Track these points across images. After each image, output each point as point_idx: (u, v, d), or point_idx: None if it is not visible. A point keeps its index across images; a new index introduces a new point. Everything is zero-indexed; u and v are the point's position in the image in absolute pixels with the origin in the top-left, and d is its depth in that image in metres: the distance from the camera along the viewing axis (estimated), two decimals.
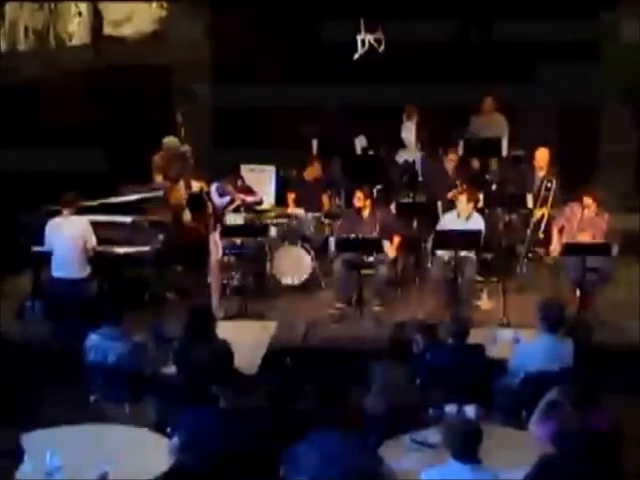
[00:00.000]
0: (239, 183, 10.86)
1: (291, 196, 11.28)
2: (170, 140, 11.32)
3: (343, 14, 11.60)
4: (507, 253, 10.23)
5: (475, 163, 11.97)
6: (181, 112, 11.81)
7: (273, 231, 10.56)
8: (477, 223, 9.81)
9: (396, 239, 9.94)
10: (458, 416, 6.07)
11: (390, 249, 9.83)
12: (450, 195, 10.61)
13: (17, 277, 10.24)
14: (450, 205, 10.35)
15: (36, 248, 9.54)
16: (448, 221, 9.95)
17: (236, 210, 10.64)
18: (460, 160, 11.56)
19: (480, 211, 10.37)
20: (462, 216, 9.85)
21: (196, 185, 11.03)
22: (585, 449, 5.33)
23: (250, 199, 10.87)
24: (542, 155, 10.93)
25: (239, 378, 6.81)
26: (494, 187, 11.38)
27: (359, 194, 10.01)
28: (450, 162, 11.23)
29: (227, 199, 10.69)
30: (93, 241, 9.33)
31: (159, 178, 11.15)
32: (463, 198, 9.89)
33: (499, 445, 5.66)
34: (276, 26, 12.73)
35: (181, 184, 10.87)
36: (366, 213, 10.01)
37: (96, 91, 11.52)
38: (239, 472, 5.72)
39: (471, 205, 9.86)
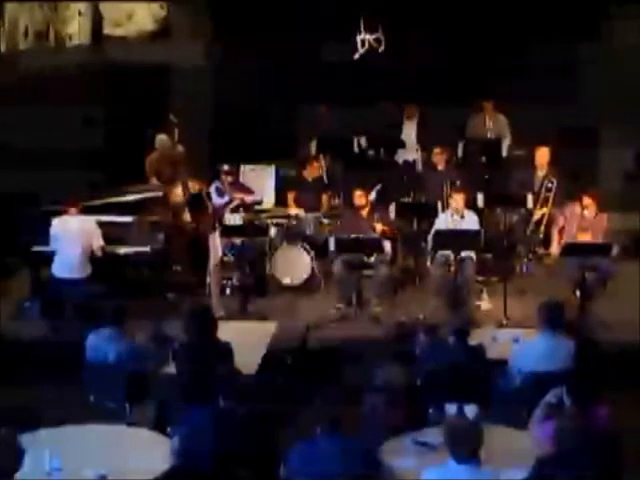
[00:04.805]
0: (230, 179, 10.82)
1: (291, 196, 11.27)
2: (162, 140, 11.32)
3: (343, 14, 11.63)
4: (507, 253, 10.22)
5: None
6: (175, 113, 11.81)
7: (273, 231, 10.56)
8: (472, 221, 9.84)
9: (379, 227, 9.86)
10: (458, 416, 6.06)
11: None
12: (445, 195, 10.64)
13: (17, 277, 10.24)
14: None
15: (37, 248, 9.54)
16: (443, 220, 9.96)
17: (235, 210, 10.63)
18: (456, 159, 11.60)
19: (480, 211, 10.39)
20: (456, 215, 9.86)
21: (195, 186, 11.02)
22: (585, 449, 5.33)
23: (249, 199, 10.87)
24: (542, 155, 10.93)
25: (239, 378, 6.81)
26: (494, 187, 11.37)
27: (359, 193, 10.01)
28: (438, 161, 11.21)
29: (226, 199, 10.70)
30: (100, 241, 9.33)
31: (154, 179, 11.16)
32: (457, 197, 9.90)
33: (499, 445, 5.66)
34: (276, 27, 12.72)
35: (180, 185, 10.86)
36: (366, 213, 10.01)
37: (96, 91, 11.51)
38: (239, 472, 5.72)
39: (463, 203, 9.86)
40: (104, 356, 7.23)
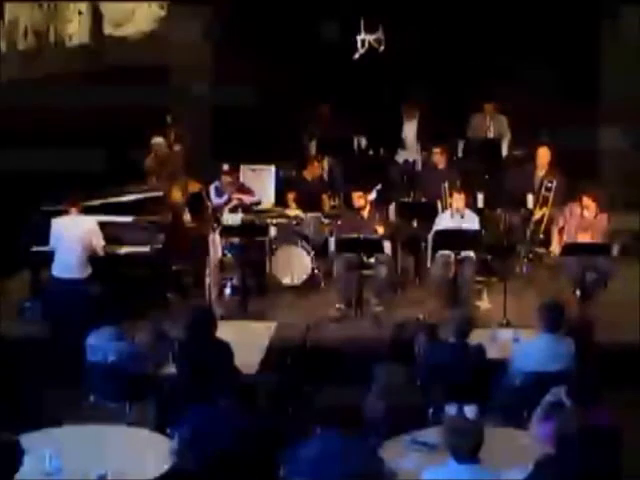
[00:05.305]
0: (230, 179, 10.83)
1: (291, 196, 11.26)
2: (158, 142, 11.34)
3: (343, 14, 11.62)
4: (507, 253, 10.23)
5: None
6: (171, 114, 11.83)
7: (273, 231, 10.55)
8: (472, 221, 9.85)
9: (380, 229, 9.85)
10: (458, 416, 6.06)
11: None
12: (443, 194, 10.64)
13: (17, 277, 10.24)
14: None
15: (37, 248, 9.54)
16: (443, 220, 9.97)
17: (233, 210, 10.63)
18: (456, 159, 11.62)
19: (480, 211, 10.40)
20: (456, 215, 9.86)
21: (194, 186, 11.03)
22: (585, 449, 5.33)
23: (247, 199, 10.86)
24: (543, 155, 10.92)
25: (239, 378, 6.81)
26: (494, 187, 11.38)
27: (358, 194, 10.02)
28: (438, 161, 11.21)
29: (224, 198, 10.70)
30: (101, 241, 9.32)
31: (153, 180, 11.16)
32: (457, 197, 9.90)
33: (499, 445, 5.66)
34: (276, 27, 12.72)
35: (179, 185, 10.87)
36: (366, 213, 10.02)
37: (96, 91, 11.51)
38: (239, 472, 5.72)
39: (463, 203, 9.87)
40: (104, 356, 7.23)
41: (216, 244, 9.88)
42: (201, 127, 12.34)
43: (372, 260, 9.74)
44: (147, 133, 11.50)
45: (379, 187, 11.07)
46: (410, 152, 12.38)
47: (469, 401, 6.34)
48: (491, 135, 12.25)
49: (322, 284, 10.47)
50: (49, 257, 9.24)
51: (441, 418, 6.25)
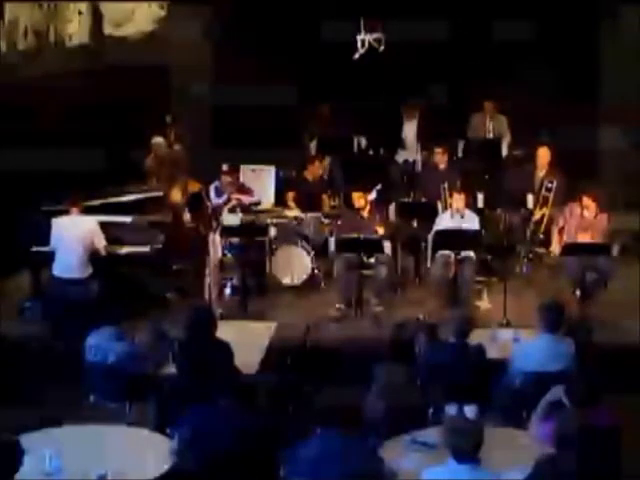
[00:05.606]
0: (230, 179, 10.82)
1: (291, 196, 11.27)
2: (157, 142, 11.34)
3: (343, 14, 11.61)
4: (507, 253, 10.23)
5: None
6: (171, 114, 11.83)
7: (273, 231, 10.55)
8: (472, 221, 9.85)
9: (380, 230, 9.88)
10: (458, 416, 6.06)
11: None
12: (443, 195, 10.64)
13: (17, 277, 10.24)
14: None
15: (37, 248, 9.54)
16: (443, 220, 9.97)
17: (232, 210, 10.62)
18: (456, 159, 11.62)
19: (480, 211, 10.39)
20: (456, 215, 9.86)
21: (194, 186, 11.03)
22: (585, 449, 5.33)
23: (246, 199, 10.85)
24: (543, 155, 10.92)
25: (239, 378, 6.82)
26: (494, 187, 11.37)
27: (358, 194, 10.03)
28: (440, 160, 11.20)
29: (224, 198, 10.69)
30: (103, 241, 9.32)
31: (153, 180, 11.16)
32: (457, 197, 9.91)
33: (499, 445, 5.66)
34: (277, 26, 12.72)
35: (179, 185, 10.87)
36: (366, 213, 10.02)
37: (96, 91, 11.51)
38: (239, 472, 5.72)
39: (463, 203, 9.87)
40: (104, 356, 7.23)
41: (216, 244, 9.88)
42: (201, 127, 12.33)
43: (372, 260, 9.75)
44: (147, 133, 11.50)
45: (379, 187, 11.05)
46: (410, 152, 12.37)
47: (469, 401, 6.35)
48: (491, 135, 12.24)
49: (322, 284, 10.47)
50: (49, 257, 9.25)
51: (441, 418, 6.25)
